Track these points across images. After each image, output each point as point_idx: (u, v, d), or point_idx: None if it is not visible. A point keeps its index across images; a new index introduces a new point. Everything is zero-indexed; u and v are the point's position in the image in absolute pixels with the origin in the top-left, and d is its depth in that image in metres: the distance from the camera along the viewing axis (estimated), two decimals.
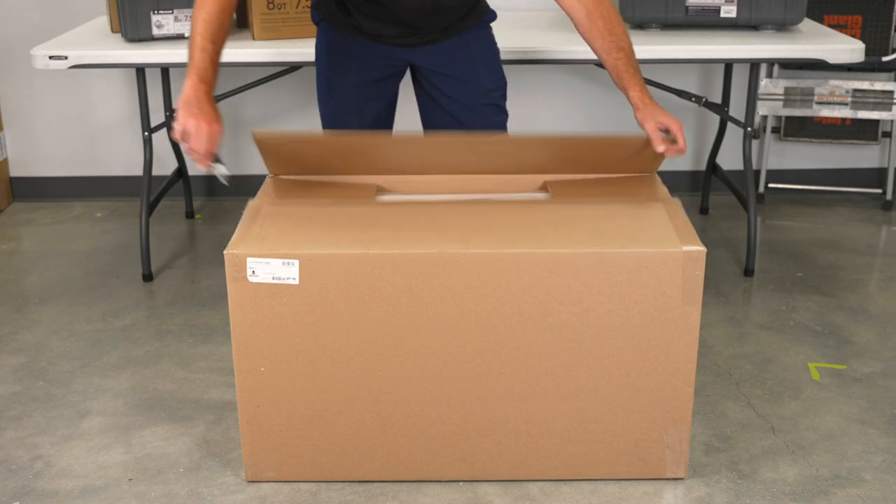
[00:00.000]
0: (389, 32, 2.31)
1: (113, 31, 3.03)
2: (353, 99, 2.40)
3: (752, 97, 3.02)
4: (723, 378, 2.43)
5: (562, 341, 1.88)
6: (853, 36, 3.43)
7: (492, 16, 2.42)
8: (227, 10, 2.00)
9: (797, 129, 3.71)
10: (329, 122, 2.45)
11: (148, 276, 3.03)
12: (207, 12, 1.96)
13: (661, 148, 2.04)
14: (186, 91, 1.89)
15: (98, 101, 3.64)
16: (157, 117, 3.26)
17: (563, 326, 1.87)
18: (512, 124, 2.49)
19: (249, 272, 1.85)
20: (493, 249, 1.86)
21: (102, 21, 3.23)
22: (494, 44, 2.43)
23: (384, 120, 2.46)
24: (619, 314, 1.87)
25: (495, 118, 2.42)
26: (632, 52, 2.14)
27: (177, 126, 1.87)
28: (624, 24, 2.18)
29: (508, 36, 2.61)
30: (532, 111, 3.60)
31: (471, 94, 2.38)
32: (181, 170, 3.51)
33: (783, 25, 3.02)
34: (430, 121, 2.45)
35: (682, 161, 3.75)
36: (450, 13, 2.30)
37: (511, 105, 2.47)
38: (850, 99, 3.51)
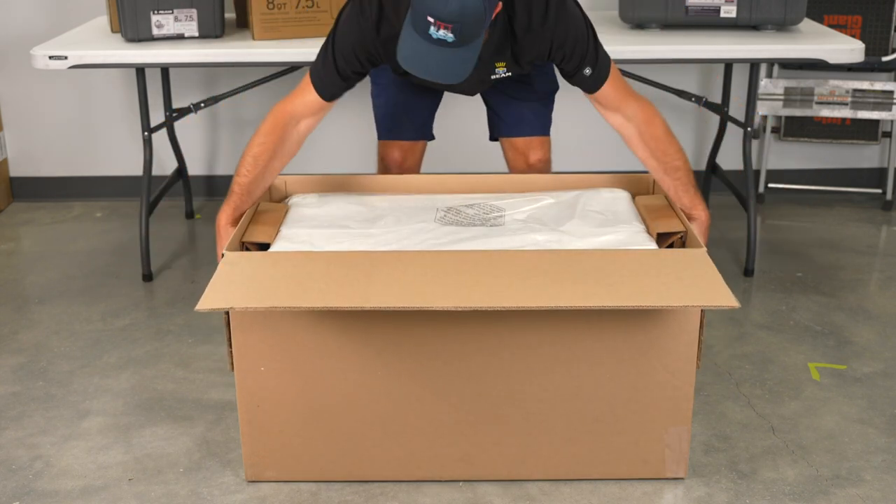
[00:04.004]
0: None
1: (113, 31, 3.02)
2: (402, 93, 2.41)
3: (752, 97, 3.02)
4: (723, 378, 2.43)
5: (561, 341, 1.88)
6: (853, 36, 3.43)
7: None
8: (276, 158, 2.10)
9: (797, 129, 3.71)
10: (385, 122, 2.48)
11: (148, 276, 3.03)
12: (254, 154, 2.09)
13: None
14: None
15: (98, 102, 3.64)
16: (156, 117, 3.26)
17: (563, 326, 1.87)
18: None
19: None
20: (493, 247, 1.86)
21: (102, 21, 3.23)
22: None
23: (430, 116, 2.50)
24: (618, 312, 1.87)
25: (541, 109, 2.50)
26: (688, 168, 2.13)
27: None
28: (675, 139, 2.13)
29: None
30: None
31: (522, 90, 2.43)
32: (181, 170, 3.51)
33: (783, 25, 3.02)
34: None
35: None
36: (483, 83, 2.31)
37: None
38: (849, 99, 3.51)
